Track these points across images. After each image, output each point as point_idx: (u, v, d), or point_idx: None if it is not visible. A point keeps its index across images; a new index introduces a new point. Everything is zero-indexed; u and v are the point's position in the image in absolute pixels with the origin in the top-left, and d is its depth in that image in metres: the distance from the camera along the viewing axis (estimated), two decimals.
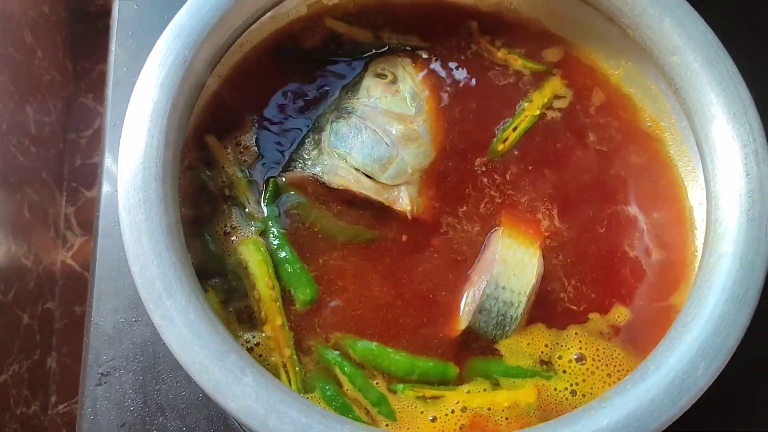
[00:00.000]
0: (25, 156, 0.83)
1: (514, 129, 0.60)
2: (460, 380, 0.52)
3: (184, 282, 0.45)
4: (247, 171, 0.57)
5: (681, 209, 0.58)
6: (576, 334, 0.53)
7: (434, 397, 0.51)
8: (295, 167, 0.56)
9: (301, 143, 0.58)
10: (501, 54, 0.63)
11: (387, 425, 0.50)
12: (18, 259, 0.76)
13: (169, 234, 0.46)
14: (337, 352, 0.52)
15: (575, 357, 0.52)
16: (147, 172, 0.48)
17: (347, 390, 0.51)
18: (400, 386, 0.51)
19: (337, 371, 0.52)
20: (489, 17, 0.64)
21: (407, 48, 0.63)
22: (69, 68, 0.96)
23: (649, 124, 0.61)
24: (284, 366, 0.51)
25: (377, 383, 0.51)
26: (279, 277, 0.54)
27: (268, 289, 0.53)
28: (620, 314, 0.54)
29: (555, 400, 0.51)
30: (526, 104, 0.61)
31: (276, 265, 0.54)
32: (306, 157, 0.57)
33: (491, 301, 0.52)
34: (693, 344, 0.45)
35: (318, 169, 0.56)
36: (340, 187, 0.55)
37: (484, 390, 0.51)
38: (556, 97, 0.61)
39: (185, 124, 0.52)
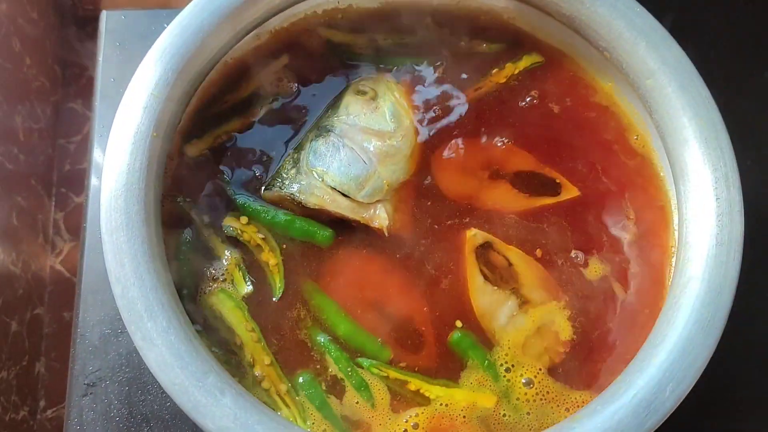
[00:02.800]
0: (14, 164, 0.83)
1: (476, 90, 0.62)
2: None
3: (165, 304, 0.46)
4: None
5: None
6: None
7: (398, 381, 0.53)
8: (273, 186, 0.57)
9: (282, 162, 0.59)
10: (464, 42, 0.64)
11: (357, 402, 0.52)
12: (6, 266, 0.77)
13: (150, 256, 0.47)
14: (328, 337, 0.54)
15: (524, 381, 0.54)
16: (129, 194, 0.49)
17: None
18: (366, 362, 0.53)
19: (326, 356, 0.53)
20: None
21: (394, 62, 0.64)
22: (58, 73, 0.96)
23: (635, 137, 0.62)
24: (283, 400, 0.52)
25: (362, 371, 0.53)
26: (292, 240, 0.56)
27: (247, 332, 0.53)
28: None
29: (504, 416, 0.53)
30: (494, 71, 0.63)
31: (286, 229, 0.56)
32: (284, 176, 0.57)
33: None
34: (661, 366, 0.46)
35: (295, 188, 0.56)
36: (316, 207, 0.56)
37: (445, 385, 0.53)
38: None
39: (168, 147, 0.52)
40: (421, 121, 0.61)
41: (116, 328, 0.62)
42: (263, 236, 0.56)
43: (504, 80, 0.63)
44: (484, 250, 0.57)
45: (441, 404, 0.52)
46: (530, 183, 0.60)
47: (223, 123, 0.60)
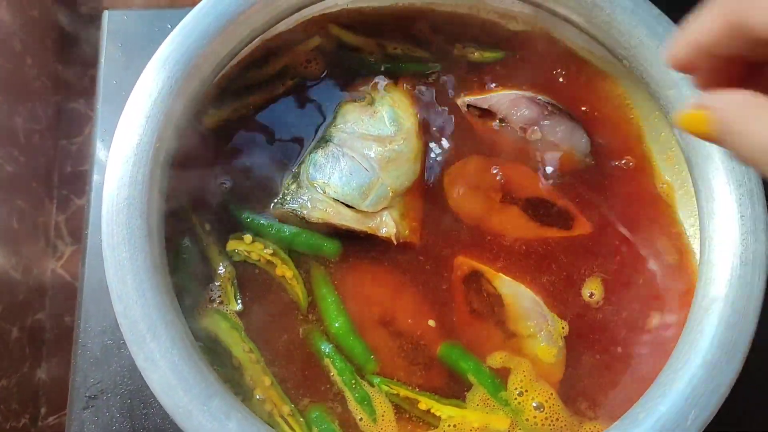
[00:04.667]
0: (14, 166, 0.82)
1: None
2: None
3: (168, 323, 0.45)
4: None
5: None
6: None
7: (409, 400, 0.52)
8: (276, 204, 0.55)
9: (285, 179, 0.57)
10: (456, 50, 0.62)
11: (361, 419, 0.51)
12: (6, 272, 0.75)
13: (153, 273, 0.46)
14: (331, 345, 0.52)
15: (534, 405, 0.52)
16: (132, 208, 0.47)
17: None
18: (377, 379, 0.52)
19: (329, 364, 0.52)
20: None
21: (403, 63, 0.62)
22: (59, 72, 0.95)
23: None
24: (287, 422, 0.50)
25: (365, 384, 0.52)
26: (298, 252, 0.55)
27: (245, 353, 0.52)
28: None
29: None
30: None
31: (291, 243, 0.55)
32: (286, 192, 0.55)
33: None
34: (683, 392, 0.44)
35: (296, 204, 0.54)
36: (320, 221, 0.54)
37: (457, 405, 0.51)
38: None
39: (171, 158, 0.51)
40: (426, 126, 0.59)
41: (118, 339, 0.61)
42: (271, 251, 0.54)
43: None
44: (476, 278, 0.55)
45: (450, 425, 0.51)
46: (543, 212, 0.57)
47: (245, 96, 0.59)
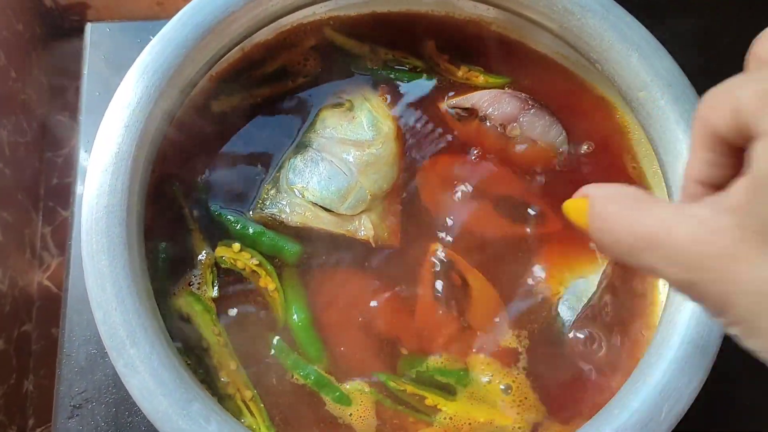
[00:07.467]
0: (0, 179, 0.82)
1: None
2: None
3: (148, 329, 0.45)
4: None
5: None
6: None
7: (416, 396, 0.53)
8: (255, 208, 0.56)
9: (264, 185, 0.58)
10: (461, 73, 0.62)
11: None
12: None
13: (133, 280, 0.46)
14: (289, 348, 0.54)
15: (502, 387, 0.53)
16: (111, 216, 0.48)
17: None
18: (383, 376, 0.53)
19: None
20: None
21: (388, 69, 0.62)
22: (44, 85, 0.95)
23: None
24: (248, 407, 0.51)
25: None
26: (263, 253, 0.55)
27: (214, 336, 0.53)
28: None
29: None
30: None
31: (254, 243, 0.55)
32: (265, 197, 0.56)
33: None
34: (656, 386, 0.45)
35: (275, 208, 0.55)
36: (298, 225, 0.55)
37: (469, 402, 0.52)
38: None
39: (151, 166, 0.51)
40: (406, 131, 0.60)
41: (103, 348, 0.60)
42: (257, 262, 0.55)
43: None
44: (447, 268, 0.56)
45: (445, 417, 0.52)
46: (514, 209, 0.58)
47: (253, 89, 0.60)
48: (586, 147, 0.60)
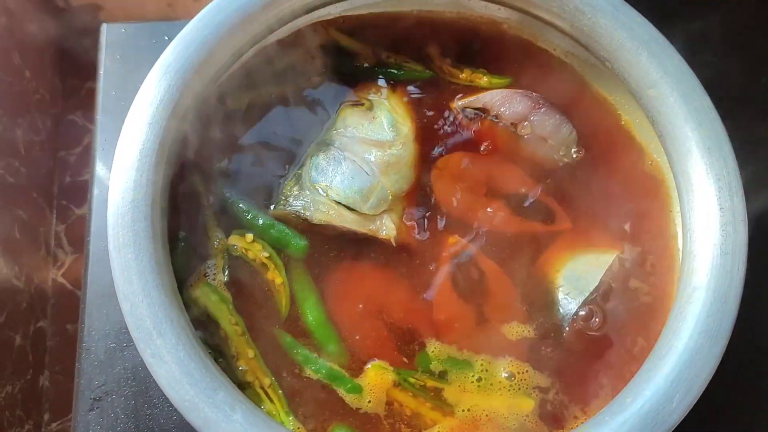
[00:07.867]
0: (15, 177, 0.83)
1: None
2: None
3: (174, 320, 0.46)
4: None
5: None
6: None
7: (433, 388, 0.54)
8: (277, 204, 0.57)
9: (285, 182, 0.59)
10: (465, 75, 0.63)
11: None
12: (9, 280, 0.76)
13: (158, 272, 0.47)
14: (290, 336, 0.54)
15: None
16: (136, 211, 0.49)
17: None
18: (403, 372, 0.54)
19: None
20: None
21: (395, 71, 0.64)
22: (58, 85, 0.96)
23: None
24: (266, 394, 0.52)
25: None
26: (270, 245, 0.56)
27: (231, 326, 0.54)
28: None
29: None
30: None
31: (262, 233, 0.56)
32: (288, 193, 0.57)
33: None
34: (668, 376, 0.46)
35: (299, 205, 0.56)
36: (322, 222, 0.56)
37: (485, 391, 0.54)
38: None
39: (173, 161, 0.52)
40: (421, 131, 0.61)
41: (121, 342, 0.62)
42: (268, 254, 0.56)
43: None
44: (465, 261, 0.57)
45: (463, 409, 0.53)
46: (526, 206, 0.60)
47: (267, 86, 0.61)
48: (592, 146, 0.61)
